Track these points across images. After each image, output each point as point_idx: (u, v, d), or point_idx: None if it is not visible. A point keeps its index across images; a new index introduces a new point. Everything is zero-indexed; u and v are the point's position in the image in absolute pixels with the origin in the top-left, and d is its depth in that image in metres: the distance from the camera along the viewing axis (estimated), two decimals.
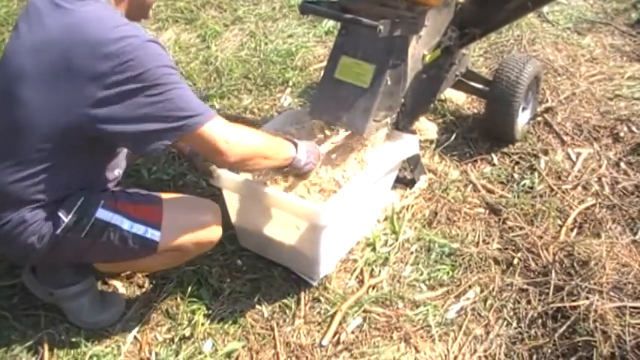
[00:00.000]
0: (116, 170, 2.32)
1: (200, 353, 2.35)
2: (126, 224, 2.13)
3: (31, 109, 1.95)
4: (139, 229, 2.15)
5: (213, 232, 2.33)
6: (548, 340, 2.29)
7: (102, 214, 2.10)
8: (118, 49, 1.86)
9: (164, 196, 2.31)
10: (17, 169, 2.00)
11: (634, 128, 3.43)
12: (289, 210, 2.35)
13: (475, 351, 2.33)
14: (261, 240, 2.64)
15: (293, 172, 2.37)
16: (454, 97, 3.70)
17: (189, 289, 2.55)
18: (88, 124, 1.93)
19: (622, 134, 3.39)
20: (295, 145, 2.33)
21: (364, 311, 2.49)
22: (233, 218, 2.65)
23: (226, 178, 2.44)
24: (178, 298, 2.54)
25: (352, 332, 2.41)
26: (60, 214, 2.06)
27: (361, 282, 2.62)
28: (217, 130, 2.01)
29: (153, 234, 2.17)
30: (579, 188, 3.05)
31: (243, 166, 2.19)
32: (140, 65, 1.87)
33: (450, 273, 2.65)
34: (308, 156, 2.36)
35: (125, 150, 2.34)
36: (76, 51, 1.88)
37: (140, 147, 2.02)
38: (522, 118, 3.32)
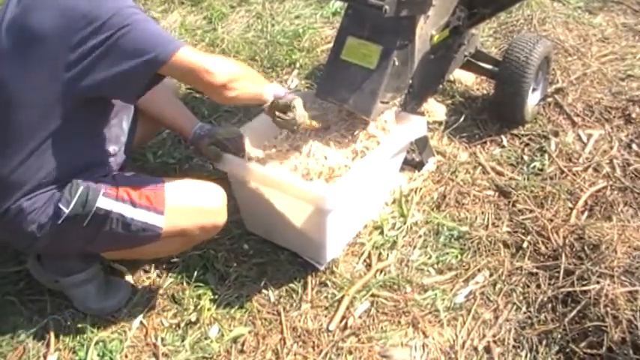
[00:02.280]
0: (111, 147, 2.27)
1: (206, 338, 2.35)
2: (128, 211, 2.10)
3: (15, 89, 1.96)
4: (141, 215, 2.12)
5: (219, 217, 2.30)
6: (558, 324, 2.27)
7: (103, 203, 2.07)
8: (77, 9, 1.90)
9: (167, 180, 2.28)
10: (9, 155, 1.99)
11: None
12: (295, 194, 2.33)
13: (484, 336, 2.31)
14: (268, 225, 2.63)
15: (278, 106, 2.30)
16: (463, 77, 3.66)
17: (195, 273, 2.54)
18: (70, 87, 1.94)
19: (634, 115, 3.34)
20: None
21: (372, 295, 2.47)
22: (239, 203, 2.63)
23: (232, 162, 2.42)
24: (184, 283, 2.53)
25: (360, 317, 2.40)
26: (60, 206, 2.03)
27: (369, 266, 2.60)
28: (196, 54, 2.03)
29: (156, 220, 2.15)
30: (590, 170, 3.02)
31: (231, 89, 2.08)
32: (104, 14, 1.90)
33: (459, 257, 2.63)
34: (285, 89, 2.36)
35: (117, 126, 2.30)
36: (43, 20, 1.91)
37: (125, 91, 2.04)
38: (532, 99, 3.28)
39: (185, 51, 1.98)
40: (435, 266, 2.60)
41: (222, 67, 2.05)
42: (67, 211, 2.02)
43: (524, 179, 2.98)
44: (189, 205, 2.24)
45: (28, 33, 1.93)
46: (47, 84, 1.93)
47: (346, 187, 2.34)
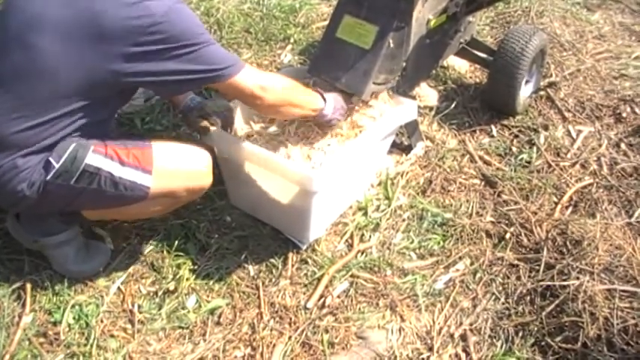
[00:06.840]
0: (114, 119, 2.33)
1: (183, 308, 2.34)
2: (116, 170, 2.10)
3: (51, 60, 1.93)
4: (129, 174, 2.12)
5: (205, 178, 2.32)
6: (535, 317, 2.28)
7: (92, 159, 2.06)
8: (149, 10, 1.90)
9: (155, 141, 2.27)
10: (22, 117, 1.96)
11: (637, 109, 3.38)
12: (281, 174, 2.30)
13: (461, 323, 2.32)
14: (253, 201, 2.62)
15: (316, 122, 2.48)
16: (457, 64, 3.66)
17: (176, 242, 2.52)
18: (115, 78, 1.97)
19: (624, 115, 3.35)
20: (324, 99, 2.41)
21: (351, 276, 2.47)
22: (225, 178, 2.61)
23: (219, 137, 2.39)
24: (164, 252, 2.51)
25: (338, 296, 2.40)
26: (51, 160, 2.02)
27: (350, 246, 2.60)
28: (251, 78, 2.13)
29: (144, 179, 2.15)
30: (577, 166, 3.02)
31: (275, 111, 2.31)
32: (172, 27, 1.95)
33: (441, 243, 2.63)
34: (334, 112, 2.45)
35: None
36: (105, 8, 1.89)
37: (171, 94, 2.32)
38: (525, 91, 3.28)
39: (243, 75, 2.11)
40: (417, 251, 2.60)
41: (270, 94, 2.18)
42: (57, 165, 2.01)
43: (511, 170, 2.98)
44: (177, 165, 2.25)
45: (85, 18, 1.90)
46: (94, 69, 1.94)
47: (333, 169, 2.33)
